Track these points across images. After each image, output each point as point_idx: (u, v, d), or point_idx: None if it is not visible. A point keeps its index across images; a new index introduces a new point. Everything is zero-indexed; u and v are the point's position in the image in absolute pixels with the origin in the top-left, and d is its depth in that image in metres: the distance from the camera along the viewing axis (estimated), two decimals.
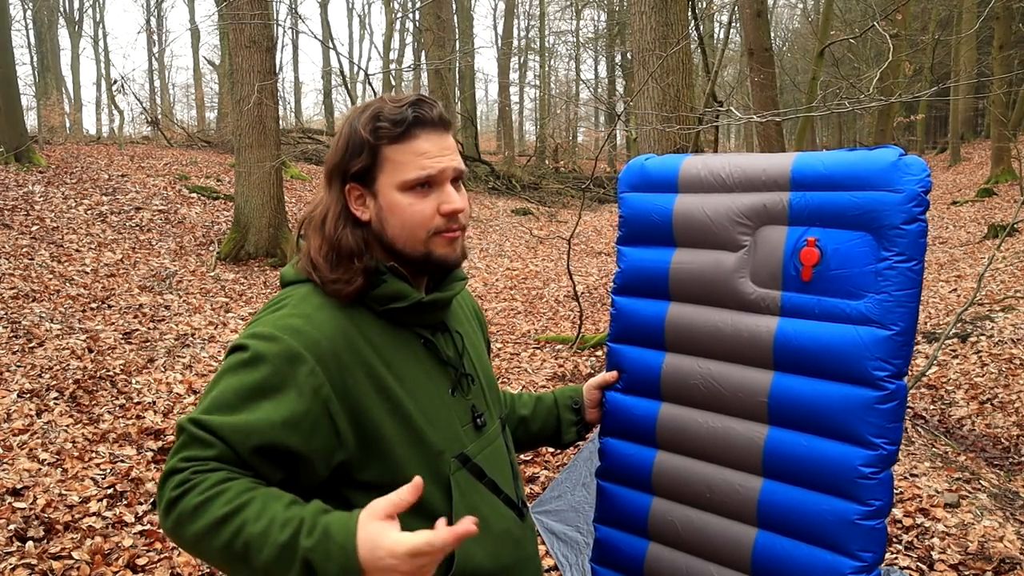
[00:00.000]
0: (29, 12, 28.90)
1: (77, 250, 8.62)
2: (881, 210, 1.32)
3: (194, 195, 12.12)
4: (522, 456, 4.22)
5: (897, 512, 3.48)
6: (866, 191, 1.33)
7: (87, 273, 7.98)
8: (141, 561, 3.27)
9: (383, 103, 1.23)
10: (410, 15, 25.00)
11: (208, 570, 3.21)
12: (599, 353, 6.72)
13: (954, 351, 6.62)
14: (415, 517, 1.19)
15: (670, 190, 1.56)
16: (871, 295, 1.33)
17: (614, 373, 1.63)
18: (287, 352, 1.12)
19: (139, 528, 3.52)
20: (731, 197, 1.48)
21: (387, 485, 1.18)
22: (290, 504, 1.05)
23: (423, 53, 19.53)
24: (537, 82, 34.40)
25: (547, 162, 24.15)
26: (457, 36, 21.98)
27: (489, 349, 1.54)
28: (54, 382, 5.21)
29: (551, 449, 4.34)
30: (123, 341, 6.27)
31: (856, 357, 1.34)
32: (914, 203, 1.30)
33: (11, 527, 3.41)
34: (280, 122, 12.54)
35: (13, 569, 3.12)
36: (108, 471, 4.07)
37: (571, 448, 4.25)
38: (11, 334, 5.98)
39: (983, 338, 6.68)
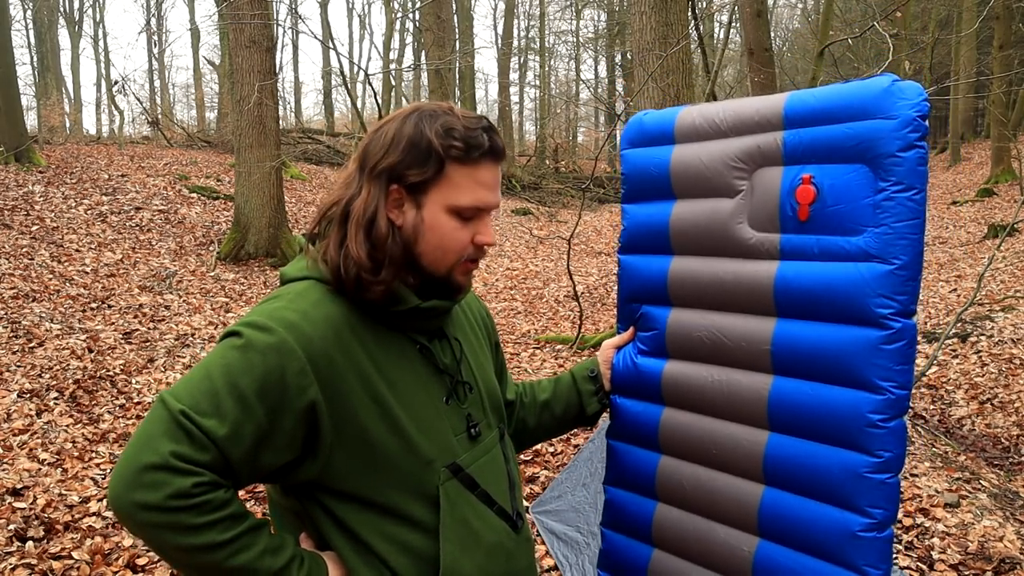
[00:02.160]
0: (29, 12, 28.92)
1: (77, 250, 8.62)
2: (875, 138, 1.25)
3: (194, 195, 12.12)
4: (522, 456, 4.21)
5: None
6: (860, 121, 1.27)
7: (87, 273, 7.98)
8: (141, 561, 3.27)
9: (455, 118, 1.19)
10: (410, 15, 25.00)
11: None
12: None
13: (954, 351, 6.62)
14: (404, 527, 1.18)
15: (667, 142, 1.52)
16: (870, 229, 1.27)
17: (630, 332, 1.62)
18: (280, 345, 1.09)
19: None
20: (726, 142, 1.43)
21: (369, 499, 1.17)
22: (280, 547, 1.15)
23: (423, 53, 19.52)
24: (537, 82, 34.41)
25: (547, 162, 24.15)
26: (457, 36, 21.98)
27: (499, 351, 1.52)
28: (54, 382, 5.21)
29: (551, 449, 4.34)
30: (123, 341, 6.27)
31: (858, 295, 1.28)
32: (910, 128, 1.23)
33: (11, 527, 3.41)
34: (280, 122, 12.54)
35: (13, 569, 3.12)
36: (108, 471, 4.07)
37: (572, 448, 4.25)
38: (11, 334, 5.98)
39: (983, 338, 6.68)
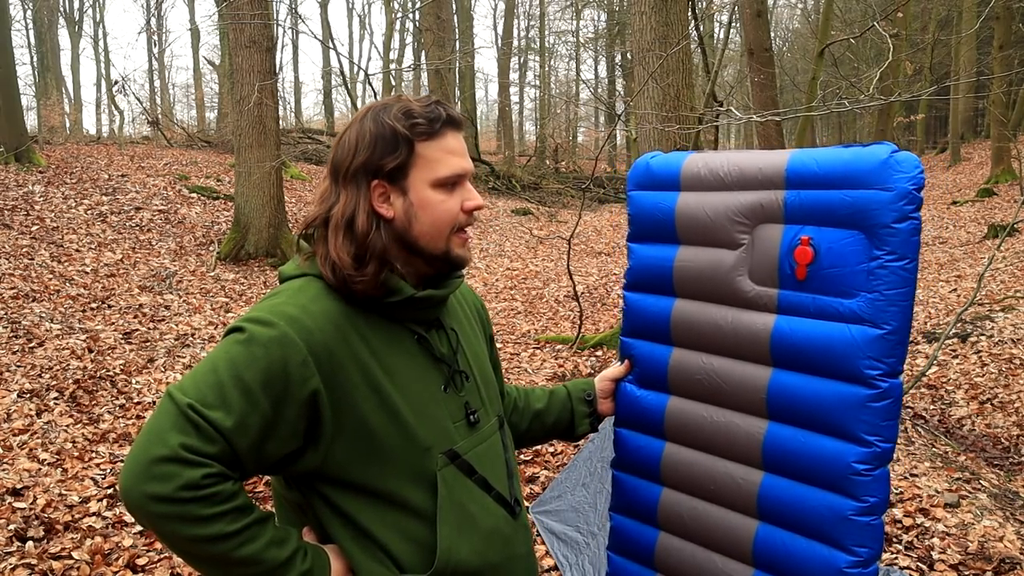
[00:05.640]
0: (29, 12, 28.89)
1: (77, 250, 8.62)
2: (872, 209, 1.31)
3: (194, 195, 12.12)
4: (522, 456, 4.22)
5: (897, 512, 3.48)
6: (858, 189, 1.33)
7: (87, 273, 7.98)
8: (141, 561, 3.27)
9: (408, 102, 1.25)
10: (410, 15, 25.00)
11: None
12: (599, 353, 6.72)
13: (954, 351, 6.62)
14: (401, 513, 1.21)
15: (673, 188, 1.58)
16: (863, 294, 1.34)
17: (626, 365, 1.66)
18: (282, 338, 1.13)
19: (139, 528, 3.52)
20: (730, 195, 1.49)
21: (369, 487, 1.20)
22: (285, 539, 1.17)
23: (423, 53, 19.53)
24: (537, 82, 34.44)
25: (547, 162, 24.14)
26: (457, 36, 21.98)
27: (493, 344, 1.54)
28: (54, 382, 5.21)
29: (551, 449, 4.34)
30: (123, 341, 6.27)
31: (849, 355, 1.34)
32: (905, 201, 1.29)
33: (11, 527, 3.41)
34: (280, 122, 12.53)
35: (13, 569, 3.12)
36: (108, 471, 4.07)
37: (572, 448, 4.26)
38: (11, 334, 5.98)
39: (983, 338, 6.68)
